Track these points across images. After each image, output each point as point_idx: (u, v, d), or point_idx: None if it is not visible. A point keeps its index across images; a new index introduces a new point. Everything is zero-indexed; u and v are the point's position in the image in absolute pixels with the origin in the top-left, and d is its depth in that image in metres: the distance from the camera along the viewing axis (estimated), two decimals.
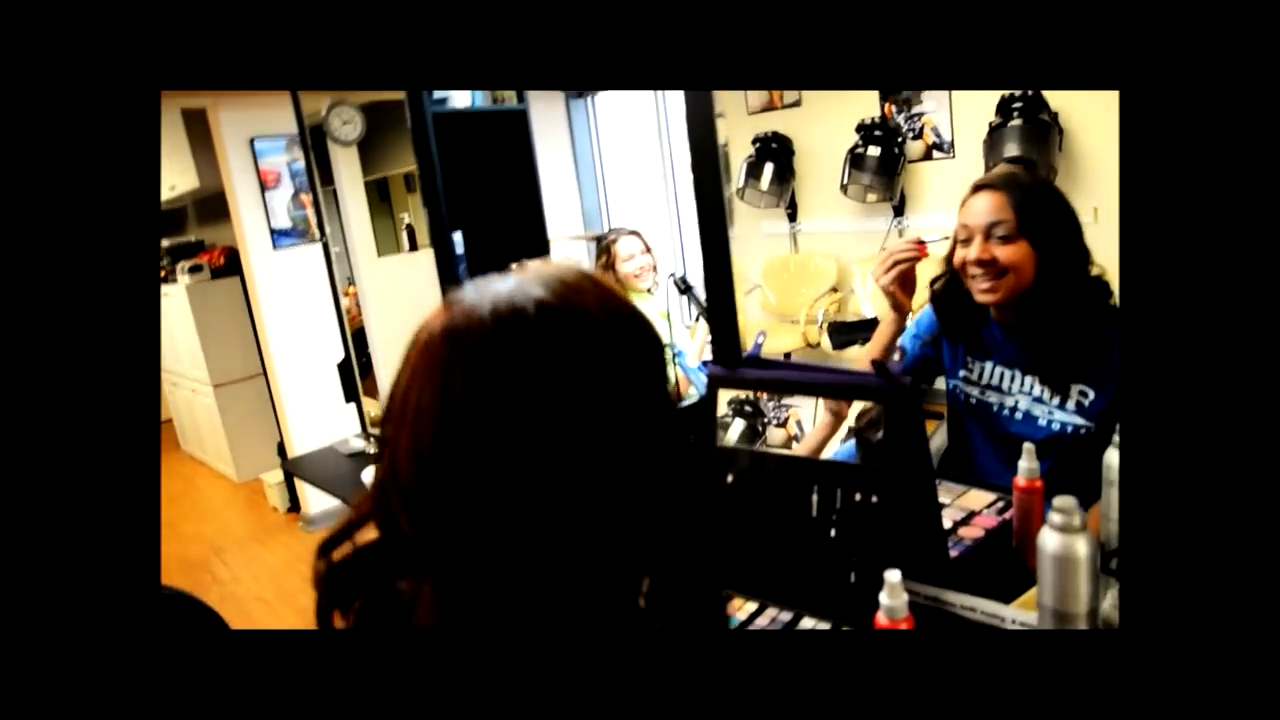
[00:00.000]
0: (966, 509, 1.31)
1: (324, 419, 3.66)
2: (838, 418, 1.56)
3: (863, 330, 3.72)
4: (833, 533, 1.07)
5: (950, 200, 1.37)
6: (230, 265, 4.46)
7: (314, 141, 3.26)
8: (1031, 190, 1.28)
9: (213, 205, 4.41)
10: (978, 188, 1.32)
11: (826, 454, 1.52)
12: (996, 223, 1.27)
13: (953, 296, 1.40)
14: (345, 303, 4.00)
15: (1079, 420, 1.30)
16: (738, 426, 3.79)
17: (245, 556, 3.71)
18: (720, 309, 1.13)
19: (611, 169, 4.57)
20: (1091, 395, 1.29)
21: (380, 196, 4.28)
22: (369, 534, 0.59)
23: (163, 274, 4.86)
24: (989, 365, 1.41)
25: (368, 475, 1.88)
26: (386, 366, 3.82)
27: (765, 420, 3.89)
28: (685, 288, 1.86)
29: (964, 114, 3.37)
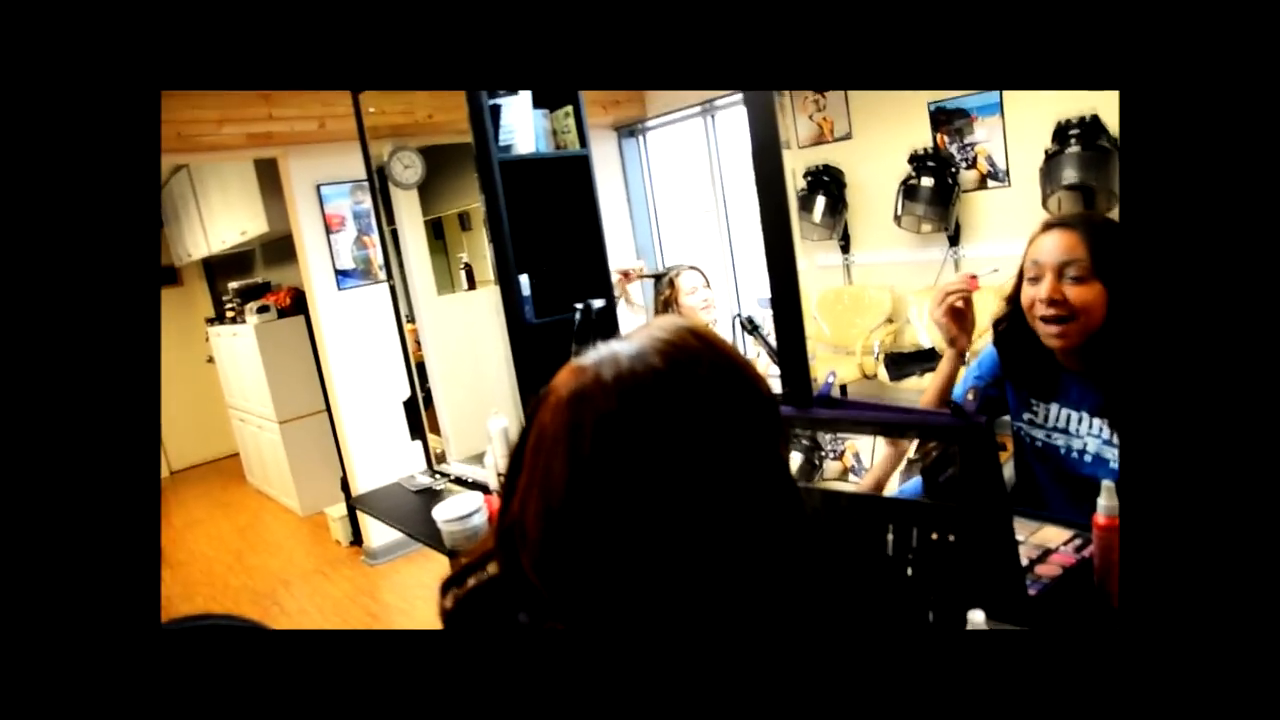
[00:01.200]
0: (1042, 546, 1.30)
1: (385, 454, 3.75)
2: (900, 452, 1.55)
3: (920, 361, 3.69)
4: (909, 571, 1.07)
5: (1007, 229, 1.37)
6: (296, 305, 4.62)
7: (383, 185, 3.39)
8: (1105, 229, 1.25)
9: (279, 248, 4.60)
10: (1049, 226, 1.29)
11: (888, 489, 1.52)
12: (1070, 262, 1.24)
13: (1017, 337, 1.38)
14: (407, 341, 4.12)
15: None
16: (794, 459, 3.78)
17: (309, 589, 3.79)
18: (790, 348, 1.15)
19: (664, 204, 4.63)
20: None
21: (435, 235, 4.41)
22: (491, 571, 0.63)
23: (232, 314, 5.05)
24: (1054, 408, 1.38)
25: (439, 512, 1.92)
26: (447, 402, 3.91)
27: (823, 454, 3.87)
28: (752, 327, 1.88)
29: (1019, 141, 3.35)
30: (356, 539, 4.14)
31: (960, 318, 1.40)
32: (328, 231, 3.68)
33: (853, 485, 3.44)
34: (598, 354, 0.59)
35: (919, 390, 3.42)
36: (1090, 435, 1.34)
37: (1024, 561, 1.25)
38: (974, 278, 1.39)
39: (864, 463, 3.46)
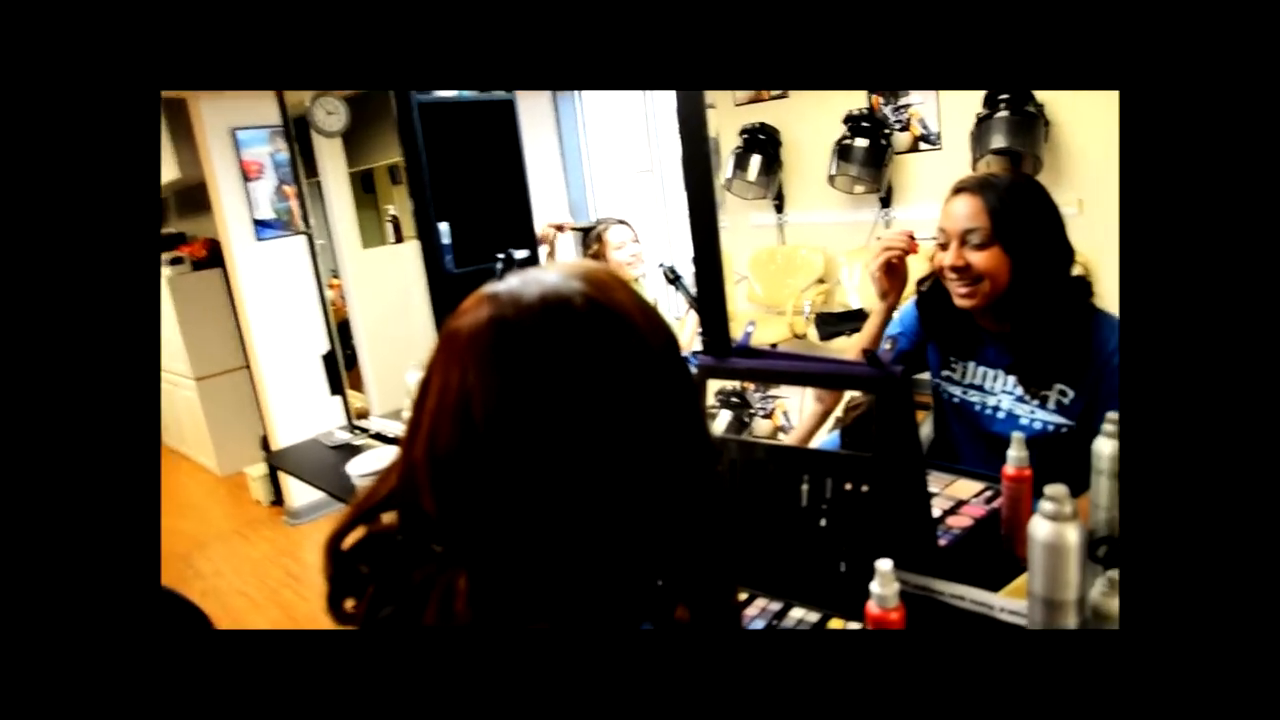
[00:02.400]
0: (955, 498, 1.31)
1: (307, 412, 3.63)
2: (826, 409, 1.56)
3: (849, 321, 3.73)
4: (823, 522, 1.07)
5: (937, 192, 1.36)
6: (212, 257, 4.41)
7: (298, 133, 3.23)
8: (1008, 193, 1.26)
9: (194, 196, 4.36)
10: (956, 190, 1.31)
11: (814, 445, 1.52)
12: (971, 229, 1.26)
13: (936, 298, 1.40)
14: (330, 295, 3.98)
15: (1060, 419, 1.30)
16: (725, 417, 3.80)
17: (227, 550, 3.68)
18: (710, 299, 1.12)
19: (598, 159, 4.56)
20: (1071, 395, 1.29)
21: (365, 188, 4.25)
22: (380, 522, 0.60)
23: None
24: (971, 365, 1.41)
25: (353, 466, 1.86)
26: (372, 359, 3.80)
27: (752, 411, 3.90)
28: (674, 277, 1.85)
29: (951, 106, 3.37)
30: (278, 499, 4.03)
31: (894, 273, 1.40)
32: (245, 180, 3.50)
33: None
34: (516, 279, 0.56)
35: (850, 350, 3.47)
36: (1004, 392, 1.36)
37: (937, 513, 1.26)
38: (913, 238, 1.39)
39: (793, 421, 3.49)
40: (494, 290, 0.56)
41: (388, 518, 0.60)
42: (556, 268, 0.57)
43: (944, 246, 1.31)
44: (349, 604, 0.60)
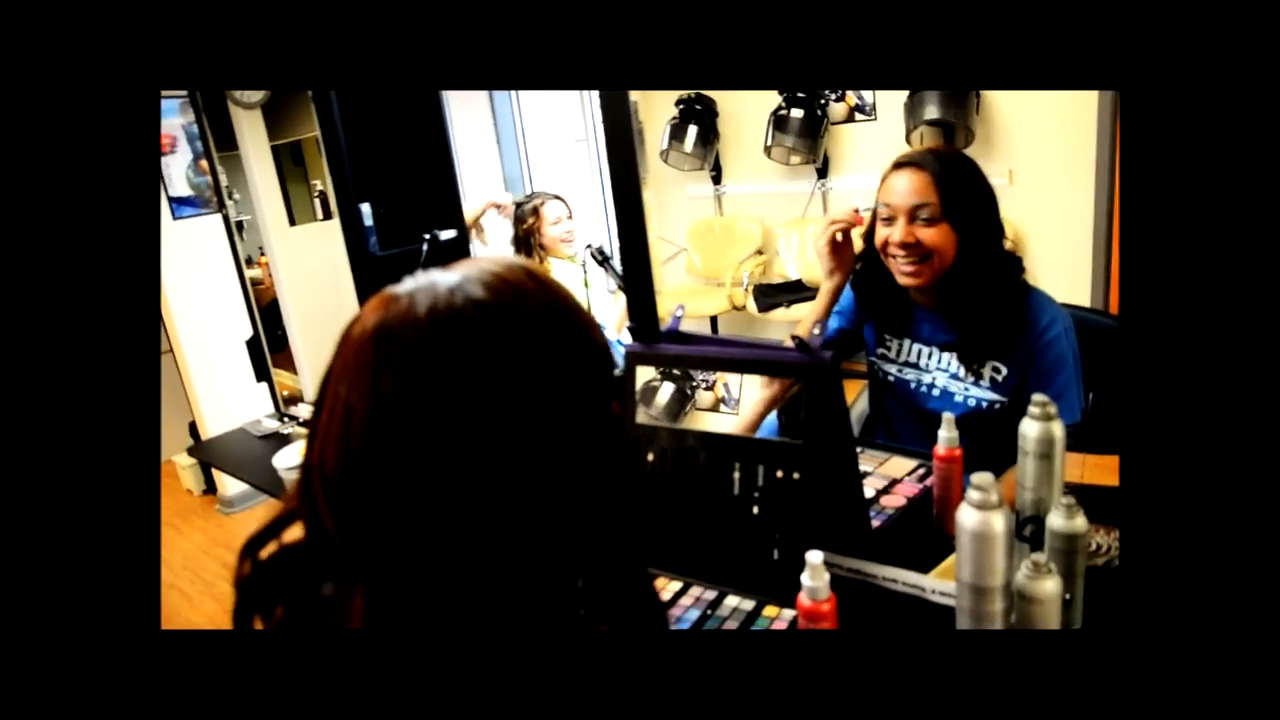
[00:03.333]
0: (889, 476, 1.32)
1: (238, 397, 3.50)
2: (774, 396, 1.54)
3: (787, 293, 3.74)
4: (755, 510, 1.06)
5: (873, 162, 1.36)
6: None
7: (213, 103, 3.07)
8: (954, 169, 1.26)
9: None
10: (899, 164, 1.29)
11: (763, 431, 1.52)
12: (921, 205, 1.25)
13: (872, 275, 1.39)
14: (258, 273, 3.83)
15: (993, 395, 1.32)
16: (667, 389, 3.79)
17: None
18: (637, 283, 1.09)
19: (533, 129, 4.46)
20: (1005, 371, 1.30)
21: (294, 161, 4.07)
22: (295, 533, 0.57)
23: None
24: (906, 343, 1.41)
25: (279, 459, 1.80)
26: (303, 340, 3.68)
27: (694, 384, 3.90)
28: (603, 259, 1.81)
29: None
30: (210, 487, 3.90)
31: (840, 250, 1.38)
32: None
33: (725, 419, 3.49)
34: (414, 282, 0.52)
35: (788, 321, 3.48)
36: (939, 369, 1.37)
37: (871, 492, 1.27)
38: (858, 211, 1.37)
39: (734, 393, 3.50)
40: (392, 293, 0.52)
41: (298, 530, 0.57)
42: (462, 268, 0.54)
43: (888, 221, 1.29)
44: (257, 623, 0.57)
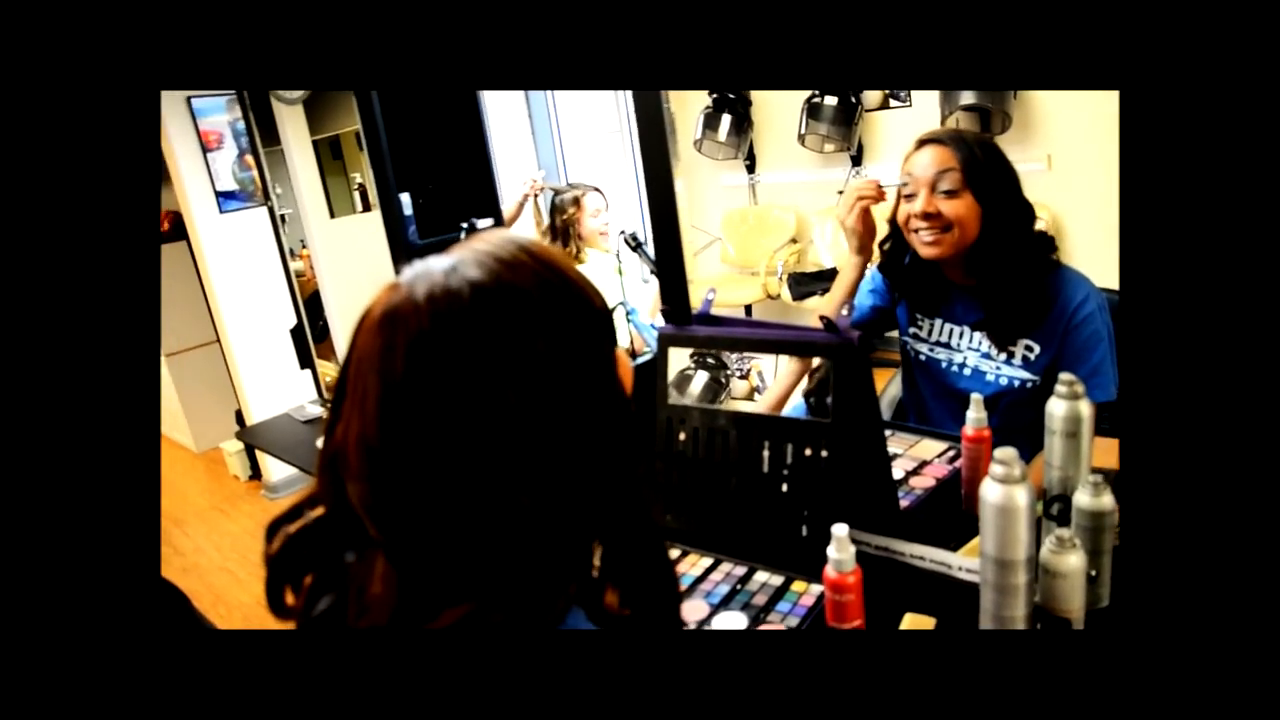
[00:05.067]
0: (919, 459, 1.33)
1: (282, 385, 3.60)
2: (800, 369, 1.56)
3: (822, 281, 3.73)
4: (784, 487, 1.08)
5: (907, 149, 1.35)
6: (176, 230, 4.32)
7: (254, 100, 3.15)
8: (976, 145, 1.27)
9: None
10: (922, 143, 1.30)
11: (790, 407, 1.53)
12: (942, 173, 1.25)
13: (900, 256, 1.40)
14: (300, 265, 3.92)
15: (1025, 374, 1.32)
16: (701, 379, 3.81)
17: (207, 527, 3.67)
18: (669, 266, 1.12)
19: (567, 120, 4.49)
20: (1037, 350, 1.30)
21: (333, 155, 4.15)
22: (319, 510, 0.59)
23: None
24: (938, 322, 1.41)
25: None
26: (344, 329, 3.76)
27: (728, 372, 3.91)
28: (636, 244, 1.84)
29: None
30: (256, 473, 4.01)
31: (867, 223, 1.39)
32: (204, 150, 3.42)
33: (756, 404, 3.49)
34: (414, 270, 0.55)
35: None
36: (970, 349, 1.37)
37: (900, 474, 1.28)
38: (880, 187, 1.37)
39: (768, 381, 3.51)
40: (394, 282, 0.55)
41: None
42: (457, 251, 0.55)
43: (910, 197, 1.30)
44: (289, 597, 0.59)
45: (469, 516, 0.51)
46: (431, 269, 0.54)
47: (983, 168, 1.25)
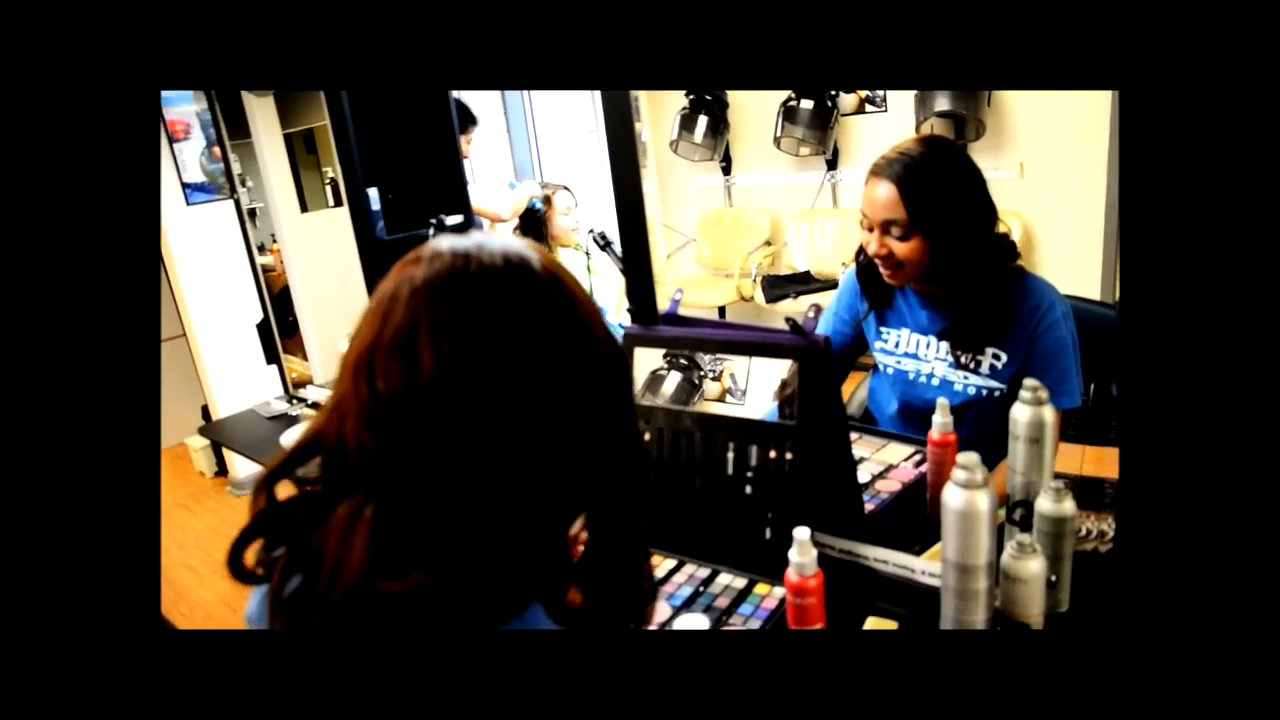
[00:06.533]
0: (885, 462, 1.33)
1: (249, 381, 3.54)
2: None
3: (796, 284, 3.74)
4: (748, 489, 1.07)
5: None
6: None
7: (225, 91, 3.10)
8: (922, 178, 1.23)
9: None
10: (874, 172, 1.28)
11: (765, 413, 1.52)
12: (891, 221, 1.25)
13: (870, 269, 1.39)
14: (269, 260, 3.86)
15: (993, 383, 1.32)
16: (673, 379, 3.81)
17: (170, 523, 3.60)
18: (636, 266, 1.11)
19: (543, 120, 4.47)
20: (1004, 359, 1.30)
21: (307, 148, 4.09)
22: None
23: None
24: (904, 332, 1.41)
25: (287, 438, 1.83)
26: (314, 325, 3.71)
27: (701, 373, 3.91)
28: (604, 243, 1.83)
29: None
30: (221, 469, 3.94)
31: None
32: (170, 140, 3.36)
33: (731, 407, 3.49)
34: (463, 241, 0.56)
35: (796, 313, 3.47)
36: (937, 359, 1.36)
37: (866, 477, 1.28)
38: None
39: (739, 384, 3.51)
40: (451, 244, 0.57)
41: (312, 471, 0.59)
42: (504, 238, 0.59)
43: (868, 229, 1.30)
44: (249, 556, 0.58)
45: (474, 475, 0.52)
46: (494, 240, 0.57)
47: (930, 205, 1.23)
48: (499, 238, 0.58)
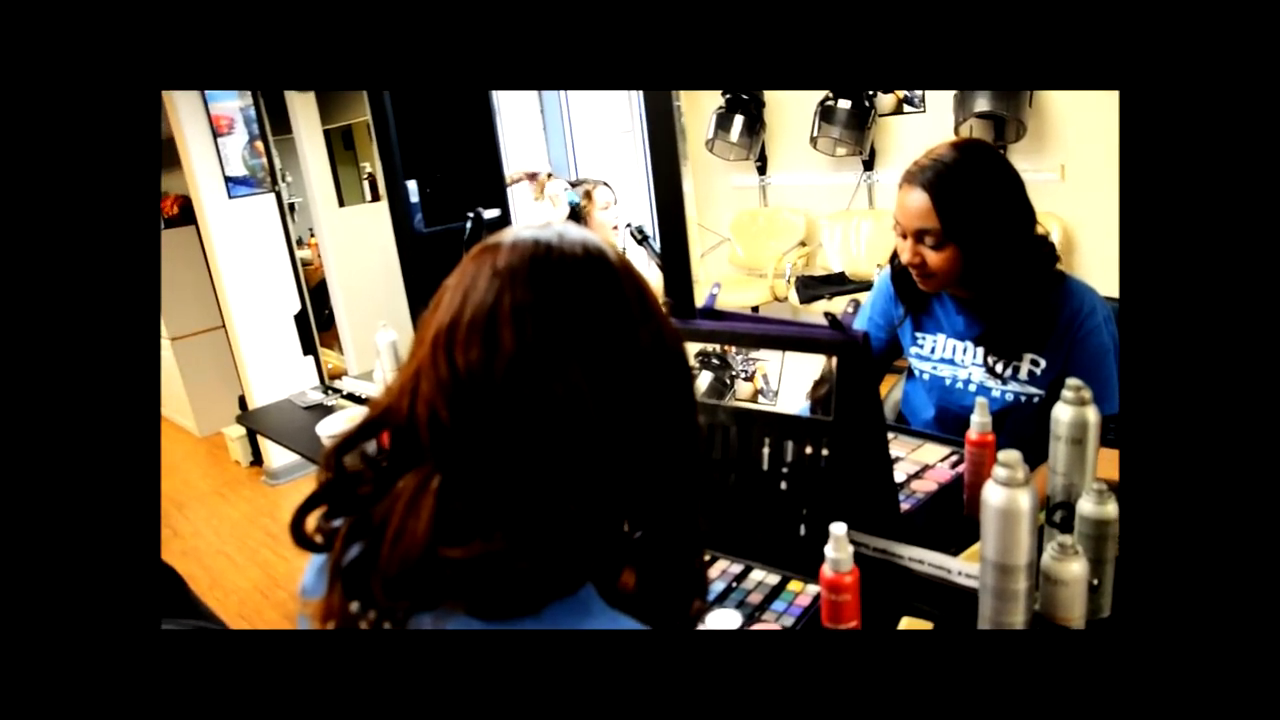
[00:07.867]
0: (921, 462, 1.32)
1: (286, 371, 3.60)
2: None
3: (830, 285, 3.72)
4: (783, 486, 1.07)
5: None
6: (184, 215, 4.33)
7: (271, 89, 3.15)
8: (956, 185, 1.21)
9: (164, 153, 4.27)
10: (907, 179, 1.26)
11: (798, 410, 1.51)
12: (924, 230, 1.23)
13: (905, 274, 1.38)
14: (307, 254, 3.91)
15: (1031, 389, 1.29)
16: (705, 378, 3.80)
17: (206, 511, 3.67)
18: (674, 260, 1.11)
19: (579, 119, 4.49)
20: (1043, 364, 1.28)
21: (345, 145, 4.15)
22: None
23: None
24: (940, 338, 1.39)
25: (323, 428, 1.85)
26: (350, 318, 3.76)
27: (734, 373, 3.90)
28: (641, 238, 1.83)
29: None
30: (257, 459, 4.01)
31: None
32: (215, 135, 3.42)
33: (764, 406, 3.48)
34: (540, 231, 0.58)
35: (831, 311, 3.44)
36: (974, 365, 1.34)
37: (902, 477, 1.27)
38: None
39: (772, 384, 3.50)
40: (534, 232, 0.58)
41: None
42: (582, 230, 0.60)
43: (902, 235, 1.28)
44: (311, 521, 0.60)
45: (543, 451, 0.53)
46: (568, 228, 0.59)
47: (964, 214, 1.21)
48: (578, 229, 0.60)
